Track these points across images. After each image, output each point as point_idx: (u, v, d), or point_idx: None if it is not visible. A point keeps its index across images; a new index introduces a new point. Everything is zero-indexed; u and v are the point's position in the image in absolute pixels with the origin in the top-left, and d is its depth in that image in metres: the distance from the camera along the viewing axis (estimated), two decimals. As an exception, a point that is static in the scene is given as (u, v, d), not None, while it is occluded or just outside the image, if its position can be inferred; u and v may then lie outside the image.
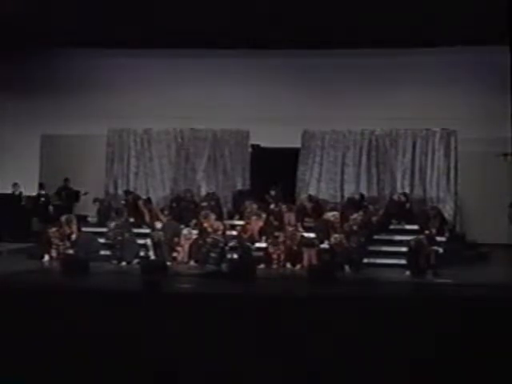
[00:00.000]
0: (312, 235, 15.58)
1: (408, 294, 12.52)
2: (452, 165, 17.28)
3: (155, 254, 15.26)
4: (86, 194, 18.30)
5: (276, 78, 19.21)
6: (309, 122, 18.05)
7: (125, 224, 16.14)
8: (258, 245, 15.64)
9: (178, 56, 19.18)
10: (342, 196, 17.60)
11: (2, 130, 19.64)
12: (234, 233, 16.07)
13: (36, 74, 19.57)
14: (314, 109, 18.74)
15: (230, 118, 18.40)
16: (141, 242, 15.54)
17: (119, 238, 15.40)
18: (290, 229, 15.43)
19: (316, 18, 16.19)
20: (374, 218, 16.17)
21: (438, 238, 15.35)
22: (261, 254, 15.24)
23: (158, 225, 16.27)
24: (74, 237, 15.68)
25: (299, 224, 16.08)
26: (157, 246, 15.30)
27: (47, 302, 9.00)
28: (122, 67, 19.60)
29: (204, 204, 16.87)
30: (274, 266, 14.90)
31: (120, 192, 18.11)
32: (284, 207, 16.50)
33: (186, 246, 15.54)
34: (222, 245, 15.02)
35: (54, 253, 15.53)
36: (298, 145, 18.05)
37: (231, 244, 15.48)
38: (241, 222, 16.40)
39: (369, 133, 17.78)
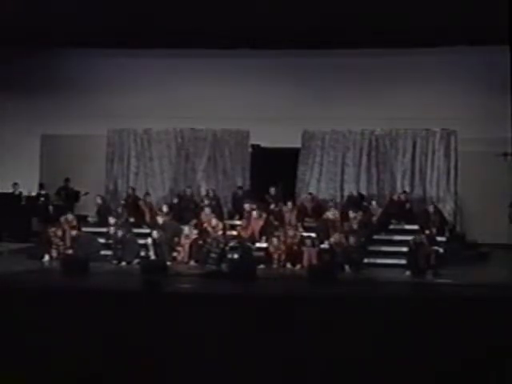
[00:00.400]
0: (313, 235, 15.58)
1: (408, 294, 12.51)
2: (452, 165, 17.29)
3: (155, 253, 15.28)
4: (86, 194, 18.29)
5: (276, 78, 19.18)
6: (309, 122, 18.04)
7: (125, 224, 16.15)
8: (258, 245, 15.66)
9: (178, 56, 19.16)
10: (342, 196, 17.63)
11: (2, 130, 19.59)
12: (234, 233, 16.08)
13: (36, 74, 19.53)
14: (314, 109, 18.72)
15: (229, 117, 18.40)
16: (141, 242, 15.53)
17: (119, 237, 15.40)
18: (290, 229, 15.44)
19: (316, 18, 16.17)
20: (374, 218, 16.18)
21: (438, 238, 15.37)
22: (261, 253, 15.25)
23: (160, 220, 16.14)
24: (73, 233, 15.66)
25: (299, 224, 16.08)
26: (157, 245, 15.31)
27: (47, 302, 9.01)
28: (122, 67, 19.58)
29: (204, 203, 16.86)
30: (274, 266, 14.92)
31: (120, 191, 18.14)
32: (285, 207, 16.50)
33: (186, 246, 15.55)
34: (222, 245, 15.04)
35: (54, 253, 15.55)
36: (298, 145, 18.05)
37: (231, 244, 15.49)
38: (240, 223, 16.40)
39: (369, 133, 17.79)
